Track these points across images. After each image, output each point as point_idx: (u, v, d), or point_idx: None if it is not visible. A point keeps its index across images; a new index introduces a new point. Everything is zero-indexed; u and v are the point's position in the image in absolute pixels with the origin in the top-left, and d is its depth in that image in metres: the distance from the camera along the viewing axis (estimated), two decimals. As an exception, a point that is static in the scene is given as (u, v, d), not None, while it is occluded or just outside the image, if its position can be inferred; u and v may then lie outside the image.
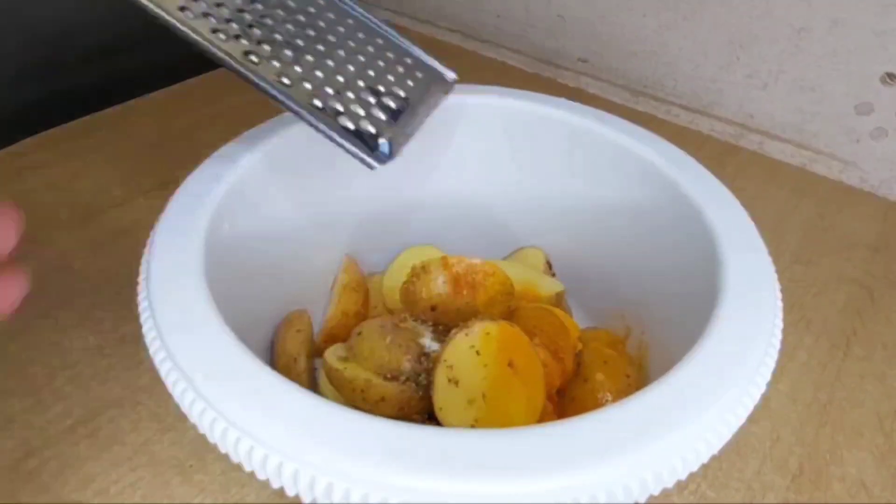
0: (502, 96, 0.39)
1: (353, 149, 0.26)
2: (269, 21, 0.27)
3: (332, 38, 0.28)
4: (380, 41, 0.29)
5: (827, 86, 0.56)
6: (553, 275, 0.40)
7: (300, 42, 0.27)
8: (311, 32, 0.28)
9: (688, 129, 0.64)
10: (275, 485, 0.19)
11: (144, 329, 0.23)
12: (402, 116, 0.27)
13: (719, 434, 0.21)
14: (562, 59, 0.71)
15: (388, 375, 0.30)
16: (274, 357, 0.34)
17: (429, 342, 0.31)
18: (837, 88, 0.56)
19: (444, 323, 0.33)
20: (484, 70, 0.73)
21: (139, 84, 0.60)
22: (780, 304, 0.26)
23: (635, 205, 0.35)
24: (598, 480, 0.19)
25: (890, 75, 0.53)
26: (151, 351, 0.22)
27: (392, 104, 0.27)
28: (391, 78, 0.28)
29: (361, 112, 0.26)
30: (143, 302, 0.24)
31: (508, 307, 0.35)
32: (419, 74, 0.29)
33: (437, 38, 0.78)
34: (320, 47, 0.28)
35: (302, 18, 0.28)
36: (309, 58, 0.27)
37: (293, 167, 0.34)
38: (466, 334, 0.29)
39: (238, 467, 0.20)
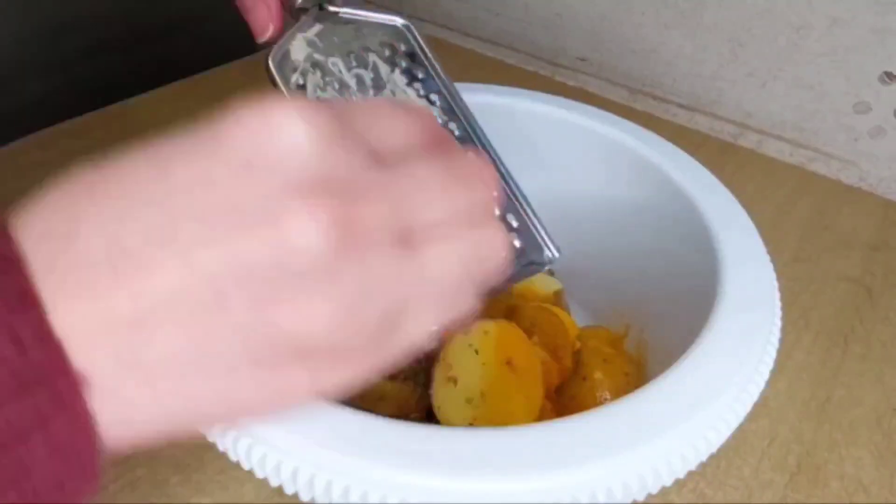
0: (500, 95, 0.39)
1: None
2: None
3: None
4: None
5: (826, 84, 0.56)
6: (551, 273, 0.40)
7: None
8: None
9: (687, 127, 0.64)
10: (273, 483, 0.19)
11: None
12: None
13: (718, 432, 0.21)
14: (561, 58, 0.71)
15: (387, 374, 0.30)
16: (273, 355, 0.33)
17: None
18: (836, 87, 0.56)
19: (443, 321, 0.32)
20: (482, 68, 0.73)
21: (140, 81, 0.60)
22: (778, 302, 0.26)
23: (634, 203, 0.35)
24: (596, 479, 0.19)
25: (888, 74, 0.53)
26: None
27: None
28: None
29: None
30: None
31: (507, 306, 0.35)
32: (517, 243, 0.26)
33: (435, 36, 0.78)
34: None
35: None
36: None
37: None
38: (465, 333, 0.29)
39: (236, 466, 0.20)
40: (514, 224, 0.26)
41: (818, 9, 0.54)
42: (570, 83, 0.71)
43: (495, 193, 0.20)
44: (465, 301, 0.19)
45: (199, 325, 0.16)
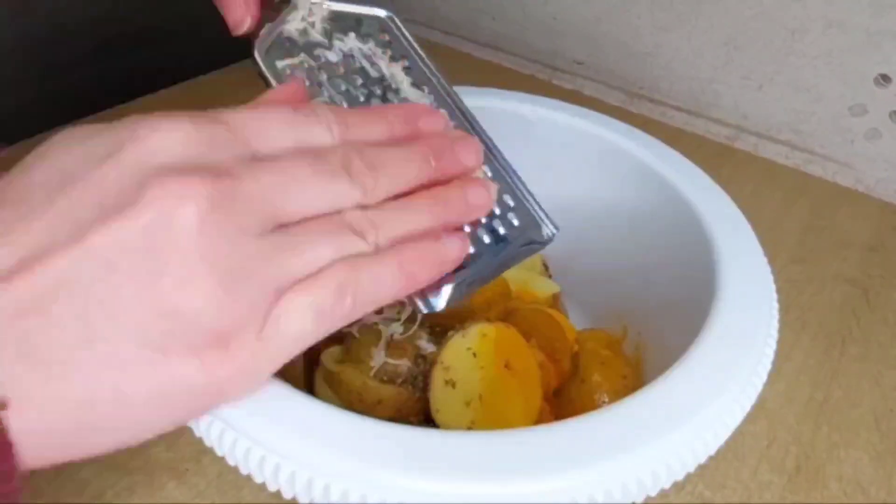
0: (497, 98, 0.39)
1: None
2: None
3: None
4: (487, 173, 0.26)
5: (821, 87, 0.56)
6: (549, 276, 0.40)
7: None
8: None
9: (683, 130, 0.64)
10: (272, 487, 0.19)
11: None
12: (476, 263, 0.24)
13: (716, 434, 0.21)
14: (558, 61, 0.71)
15: (385, 378, 0.30)
16: (270, 359, 0.33)
17: (425, 344, 0.31)
18: (832, 90, 0.56)
19: (441, 324, 0.32)
20: (480, 72, 0.73)
21: (136, 86, 0.60)
22: (776, 304, 0.26)
23: (632, 206, 0.35)
24: (595, 481, 0.19)
25: (884, 77, 0.53)
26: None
27: (470, 249, 0.24)
28: (482, 219, 0.25)
29: None
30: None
31: (505, 308, 0.35)
32: (515, 222, 0.26)
33: (432, 40, 0.78)
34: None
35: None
36: None
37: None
38: (463, 336, 0.29)
39: (234, 470, 0.20)
40: (511, 203, 0.26)
41: (813, 11, 0.54)
42: (567, 86, 0.71)
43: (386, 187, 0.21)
44: (349, 303, 0.20)
45: (89, 300, 0.16)
